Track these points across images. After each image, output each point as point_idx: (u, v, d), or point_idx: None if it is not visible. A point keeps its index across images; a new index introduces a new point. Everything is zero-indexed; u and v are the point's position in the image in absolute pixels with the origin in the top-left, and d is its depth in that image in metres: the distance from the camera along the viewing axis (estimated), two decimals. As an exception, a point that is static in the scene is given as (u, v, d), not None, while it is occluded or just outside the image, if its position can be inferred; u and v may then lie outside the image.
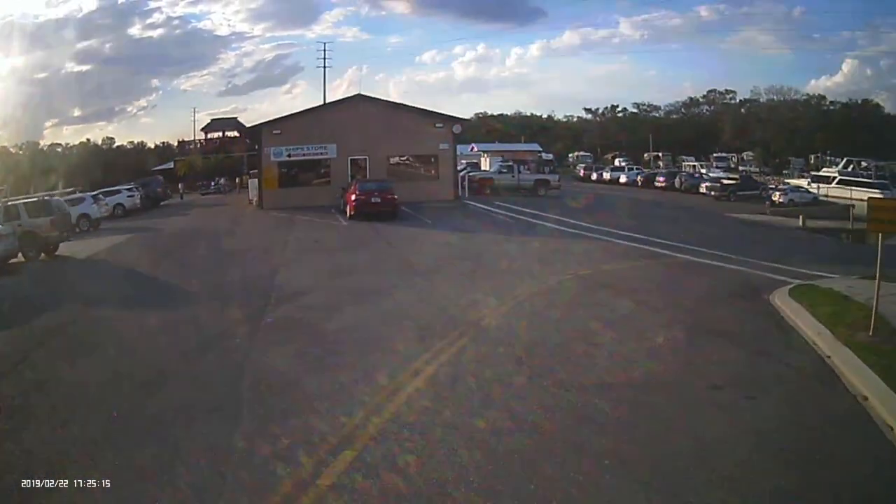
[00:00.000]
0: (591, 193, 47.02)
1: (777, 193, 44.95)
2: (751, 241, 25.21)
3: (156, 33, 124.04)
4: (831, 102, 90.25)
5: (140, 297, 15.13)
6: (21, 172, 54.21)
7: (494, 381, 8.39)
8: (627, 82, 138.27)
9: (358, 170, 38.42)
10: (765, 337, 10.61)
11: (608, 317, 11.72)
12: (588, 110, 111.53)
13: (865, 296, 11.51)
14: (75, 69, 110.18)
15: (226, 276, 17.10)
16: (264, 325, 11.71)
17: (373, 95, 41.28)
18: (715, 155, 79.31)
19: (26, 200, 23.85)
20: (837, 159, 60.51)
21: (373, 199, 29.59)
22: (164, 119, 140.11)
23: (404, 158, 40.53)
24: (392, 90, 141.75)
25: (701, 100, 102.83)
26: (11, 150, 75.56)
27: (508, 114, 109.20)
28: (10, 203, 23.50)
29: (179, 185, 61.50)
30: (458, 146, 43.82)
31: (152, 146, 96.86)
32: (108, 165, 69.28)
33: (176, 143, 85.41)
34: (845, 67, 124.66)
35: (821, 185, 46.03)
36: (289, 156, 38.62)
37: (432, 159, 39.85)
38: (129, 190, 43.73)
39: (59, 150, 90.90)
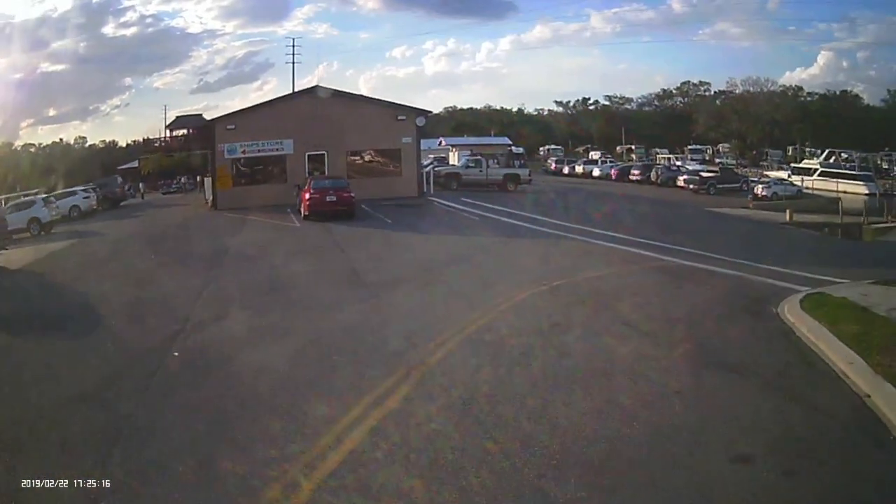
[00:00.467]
0: (564, 188, 45.22)
1: (760, 186, 43.29)
2: (740, 239, 23.38)
3: (129, 32, 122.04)
4: (809, 94, 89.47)
5: (47, 318, 12.90)
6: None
7: (434, 461, 5.99)
8: (599, 75, 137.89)
9: (316, 166, 36.06)
10: (787, 370, 8.37)
11: (586, 348, 9.36)
12: (559, 103, 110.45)
13: (885, 306, 10.33)
14: (50, 69, 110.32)
15: (148, 291, 14.94)
16: (166, 362, 9.34)
17: (332, 87, 38.83)
18: (689, 147, 78.32)
19: None
20: (817, 151, 59.17)
21: (328, 198, 27.33)
22: (136, 118, 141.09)
23: (365, 153, 38.08)
24: (362, 86, 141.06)
25: (674, 91, 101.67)
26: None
27: (478, 108, 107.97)
28: None
29: (140, 185, 60.18)
30: (426, 140, 41.71)
31: (124, 145, 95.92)
32: (78, 165, 67.57)
33: (142, 141, 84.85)
34: (821, 59, 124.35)
35: (804, 178, 44.46)
36: (243, 152, 36.32)
37: (395, 154, 37.54)
38: (84, 191, 41.53)
39: (33, 150, 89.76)
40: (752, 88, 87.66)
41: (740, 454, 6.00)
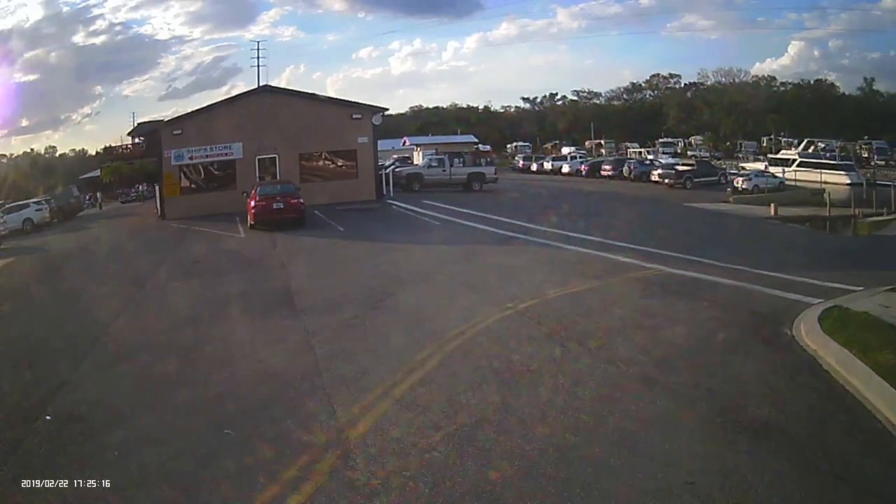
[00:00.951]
0: (532, 187, 43.21)
1: (739, 179, 41.38)
2: (727, 239, 21.46)
3: (99, 40, 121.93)
4: (782, 83, 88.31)
5: None
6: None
7: None
8: (567, 71, 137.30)
9: (267, 170, 33.48)
10: (824, 427, 6.27)
11: (561, 400, 7.02)
12: (526, 100, 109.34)
13: (915, 323, 8.63)
14: (22, 79, 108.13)
15: (54, 326, 12.89)
16: (33, 429, 7.12)
17: (282, 86, 36.32)
18: (660, 140, 76.94)
19: None
20: (794, 141, 57.70)
21: (274, 206, 24.97)
22: (107, 126, 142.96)
23: (319, 155, 35.55)
24: (329, 88, 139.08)
25: (643, 85, 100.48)
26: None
27: (444, 106, 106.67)
28: None
29: (98, 194, 58.58)
30: (389, 140, 39.34)
31: (94, 153, 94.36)
32: (46, 175, 67.39)
33: (103, 149, 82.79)
34: (791, 49, 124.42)
35: (784, 169, 42.79)
36: (191, 158, 33.88)
37: (351, 155, 35.07)
38: (37, 203, 39.84)
39: (4, 160, 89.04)
40: (723, 79, 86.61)
41: None
